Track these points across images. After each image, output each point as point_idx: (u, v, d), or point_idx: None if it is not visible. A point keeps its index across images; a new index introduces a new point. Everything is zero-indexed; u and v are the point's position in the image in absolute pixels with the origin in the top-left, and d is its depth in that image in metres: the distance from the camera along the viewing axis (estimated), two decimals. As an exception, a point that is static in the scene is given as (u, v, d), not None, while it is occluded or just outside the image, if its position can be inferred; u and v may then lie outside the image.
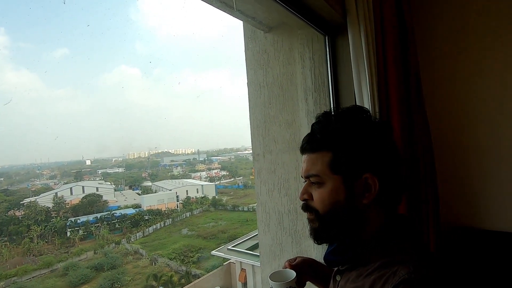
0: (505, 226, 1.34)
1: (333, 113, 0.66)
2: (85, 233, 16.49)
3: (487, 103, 1.42)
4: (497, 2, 1.36)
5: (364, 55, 1.10)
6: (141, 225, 17.65)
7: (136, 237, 17.06)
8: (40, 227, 15.69)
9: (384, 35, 1.16)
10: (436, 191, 1.39)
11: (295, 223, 1.52)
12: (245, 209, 20.40)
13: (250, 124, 1.65)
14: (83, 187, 19.50)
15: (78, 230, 16.40)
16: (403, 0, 1.26)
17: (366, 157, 0.60)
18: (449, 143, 1.50)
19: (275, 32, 1.55)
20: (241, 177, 25.33)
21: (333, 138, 0.62)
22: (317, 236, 0.66)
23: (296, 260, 0.83)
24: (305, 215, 0.67)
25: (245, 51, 1.67)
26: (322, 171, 0.62)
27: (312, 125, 0.66)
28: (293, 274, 0.75)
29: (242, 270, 11.83)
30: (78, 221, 16.72)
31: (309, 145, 0.65)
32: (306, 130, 1.48)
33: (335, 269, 0.70)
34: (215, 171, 25.57)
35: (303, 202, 0.67)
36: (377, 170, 0.60)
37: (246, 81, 1.66)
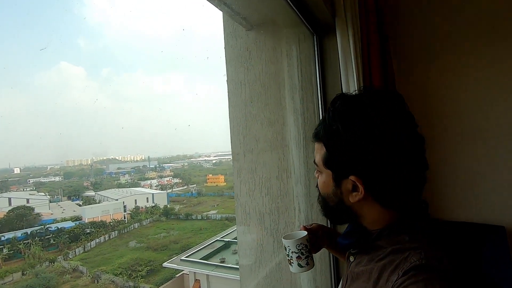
0: (468, 216, 1.49)
1: (341, 104, 0.61)
2: (11, 251, 14.27)
3: (455, 104, 1.55)
4: (473, 7, 1.49)
5: (352, 57, 1.14)
6: (81, 240, 15.94)
7: (75, 253, 15.32)
8: (-49, 247, 13.19)
9: (369, 39, 1.22)
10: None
11: (276, 222, 1.49)
12: (198, 218, 19.79)
13: (230, 123, 1.59)
14: (9, 198, 17.02)
15: (1, 249, 14.14)
16: (382, 9, 1.36)
17: (354, 160, 0.58)
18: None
19: (258, 30, 1.54)
20: (195, 185, 24.64)
21: (328, 135, 0.62)
22: (323, 213, 0.71)
23: (312, 225, 0.86)
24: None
25: (225, 48, 1.62)
26: (319, 162, 0.66)
27: (327, 110, 0.64)
28: (304, 233, 0.78)
29: (196, 281, 11.37)
30: (3, 238, 14.43)
31: (313, 133, 0.66)
32: (291, 128, 1.48)
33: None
34: (167, 178, 24.44)
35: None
36: (365, 174, 0.58)
37: (226, 78, 1.62)
